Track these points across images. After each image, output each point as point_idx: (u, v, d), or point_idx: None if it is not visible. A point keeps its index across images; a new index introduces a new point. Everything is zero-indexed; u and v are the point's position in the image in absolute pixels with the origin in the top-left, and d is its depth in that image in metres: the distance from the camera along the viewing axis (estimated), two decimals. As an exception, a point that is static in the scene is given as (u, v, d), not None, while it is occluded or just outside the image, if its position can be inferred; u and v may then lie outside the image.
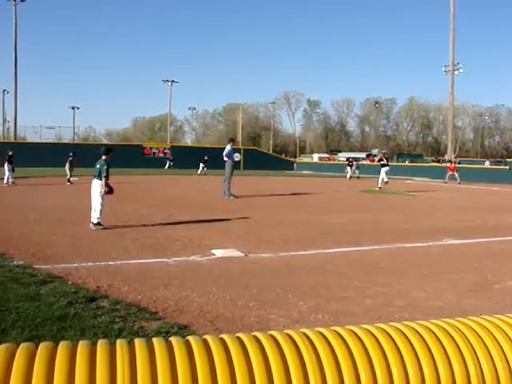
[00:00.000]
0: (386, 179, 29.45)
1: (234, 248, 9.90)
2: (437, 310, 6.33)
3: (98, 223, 12.13)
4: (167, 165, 56.66)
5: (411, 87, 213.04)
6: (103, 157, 12.50)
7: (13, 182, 26.62)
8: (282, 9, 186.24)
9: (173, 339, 1.85)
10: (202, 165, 46.48)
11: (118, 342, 1.81)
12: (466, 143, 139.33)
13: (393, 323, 2.12)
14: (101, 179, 12.24)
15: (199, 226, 13.06)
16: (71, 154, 29.69)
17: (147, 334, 5.03)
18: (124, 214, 15.08)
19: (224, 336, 1.90)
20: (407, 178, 42.92)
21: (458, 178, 38.69)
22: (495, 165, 58.37)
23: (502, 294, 7.21)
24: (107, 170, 12.24)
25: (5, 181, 26.42)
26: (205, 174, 43.48)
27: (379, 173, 30.56)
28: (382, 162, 30.89)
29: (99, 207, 12.14)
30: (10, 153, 27.51)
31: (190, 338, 1.88)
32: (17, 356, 1.66)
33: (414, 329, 2.03)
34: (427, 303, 6.65)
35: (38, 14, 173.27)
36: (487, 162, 60.55)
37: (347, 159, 50.80)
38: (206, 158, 46.46)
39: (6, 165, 26.83)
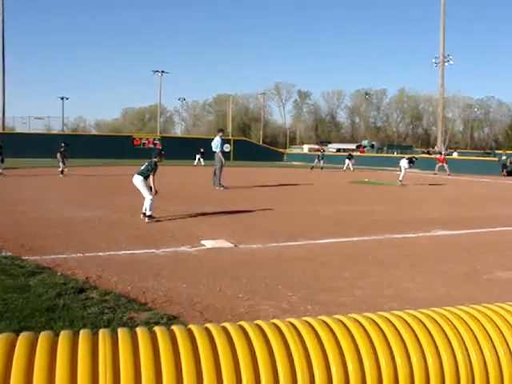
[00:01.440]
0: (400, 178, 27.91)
1: (224, 239, 9.89)
2: (426, 300, 6.35)
3: (150, 216, 12.19)
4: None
5: (401, 78, 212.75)
6: (154, 159, 12.57)
7: (1, 173, 26.40)
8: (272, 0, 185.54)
9: (156, 328, 1.83)
10: (198, 156, 46.09)
11: (101, 331, 1.79)
12: (456, 135, 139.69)
13: (381, 312, 2.11)
14: (143, 176, 12.34)
15: (189, 217, 13.03)
16: (63, 145, 28.70)
17: (136, 324, 5.02)
18: (114, 205, 15.04)
19: (209, 325, 1.88)
20: (397, 169, 42.87)
21: (447, 170, 38.84)
22: (483, 156, 58.57)
23: (490, 284, 7.25)
24: (152, 169, 12.35)
25: None
26: (204, 165, 42.93)
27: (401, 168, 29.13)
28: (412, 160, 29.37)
29: (149, 201, 12.19)
30: None
31: (174, 327, 1.86)
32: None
33: (402, 318, 2.01)
34: (416, 294, 6.68)
35: (26, 3, 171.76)
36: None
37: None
38: (202, 150, 45.85)
39: None
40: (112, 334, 1.75)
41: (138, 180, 12.36)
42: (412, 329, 1.96)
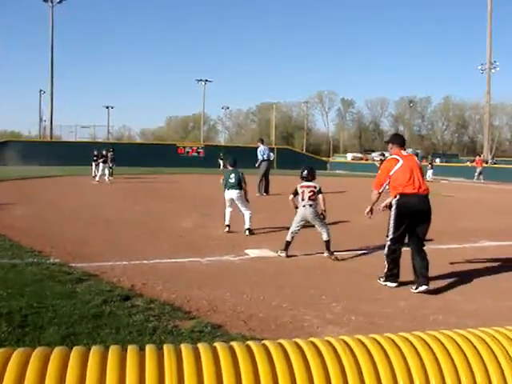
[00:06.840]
0: None
1: (268, 248, 9.91)
2: (471, 312, 6.26)
3: (249, 229, 11.88)
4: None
5: (447, 86, 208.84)
6: (230, 168, 12.29)
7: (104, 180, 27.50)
8: (316, 9, 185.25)
9: (218, 345, 1.80)
10: (221, 162, 46.25)
11: (165, 346, 1.79)
12: (503, 143, 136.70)
13: (430, 332, 2.04)
14: (240, 188, 11.88)
15: (233, 225, 13.03)
16: (111, 150, 29.78)
17: (181, 333, 5.08)
18: (159, 213, 15.19)
19: (283, 341, 1.84)
20: (442, 178, 42.02)
21: (481, 175, 38.96)
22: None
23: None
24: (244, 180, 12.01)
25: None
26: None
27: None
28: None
29: (250, 214, 11.86)
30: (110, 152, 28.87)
31: (234, 343, 1.84)
32: (51, 360, 1.67)
33: (451, 338, 1.93)
34: (462, 306, 6.58)
35: (74, 13, 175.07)
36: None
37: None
38: (221, 154, 46.63)
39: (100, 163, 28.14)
40: (176, 349, 1.75)
41: (235, 194, 11.85)
42: (462, 350, 1.86)
